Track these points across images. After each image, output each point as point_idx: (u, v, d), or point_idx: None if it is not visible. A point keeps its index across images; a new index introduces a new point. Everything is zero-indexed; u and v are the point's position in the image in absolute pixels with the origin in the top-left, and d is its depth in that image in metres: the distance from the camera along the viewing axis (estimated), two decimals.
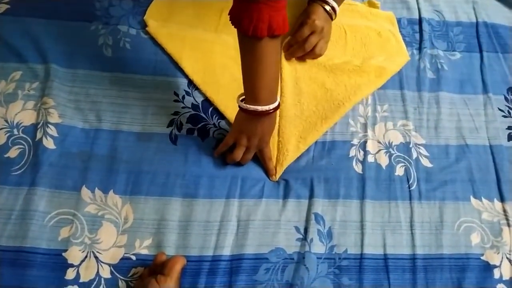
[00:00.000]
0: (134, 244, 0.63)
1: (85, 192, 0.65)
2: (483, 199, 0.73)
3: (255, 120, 0.65)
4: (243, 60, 0.62)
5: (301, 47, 0.80)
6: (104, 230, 0.63)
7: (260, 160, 0.71)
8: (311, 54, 0.81)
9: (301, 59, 0.82)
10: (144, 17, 0.82)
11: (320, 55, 0.82)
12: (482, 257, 0.68)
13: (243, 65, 0.63)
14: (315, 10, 0.79)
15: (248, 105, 0.63)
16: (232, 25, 0.59)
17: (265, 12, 0.55)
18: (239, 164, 0.70)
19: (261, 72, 0.61)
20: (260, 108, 0.62)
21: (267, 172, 0.71)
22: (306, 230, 0.66)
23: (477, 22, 0.94)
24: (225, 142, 0.69)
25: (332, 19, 0.82)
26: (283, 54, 0.82)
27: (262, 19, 0.55)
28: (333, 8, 0.80)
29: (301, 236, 0.66)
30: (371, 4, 0.94)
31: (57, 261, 0.60)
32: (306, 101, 0.78)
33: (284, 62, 0.81)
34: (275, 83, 0.65)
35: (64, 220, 0.63)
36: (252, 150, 0.68)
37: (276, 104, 0.64)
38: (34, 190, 0.64)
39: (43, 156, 0.66)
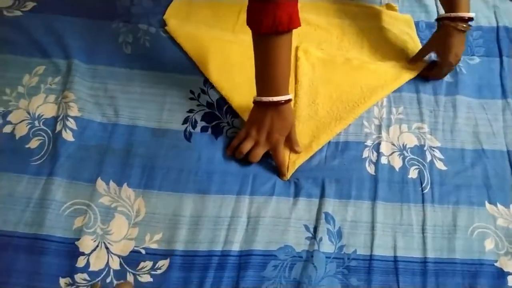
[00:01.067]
0: (144, 238, 0.64)
1: (100, 183, 0.67)
2: (499, 205, 0.71)
3: (265, 112, 0.67)
4: (256, 55, 0.65)
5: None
6: (116, 222, 0.64)
7: (273, 160, 0.71)
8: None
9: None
10: (164, 16, 0.84)
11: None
12: (496, 264, 0.66)
13: (256, 60, 0.66)
14: (453, 42, 0.77)
15: (260, 97, 0.66)
16: (249, 25, 0.62)
17: (281, 9, 0.59)
18: (248, 161, 0.70)
19: (274, 65, 0.64)
20: (270, 98, 0.65)
21: (280, 176, 0.71)
22: (315, 229, 0.66)
23: (497, 27, 0.93)
24: (237, 136, 0.70)
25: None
26: (303, 54, 0.83)
27: (280, 17, 0.59)
28: (470, 18, 0.75)
29: (310, 235, 0.66)
30: (389, 7, 0.94)
31: (70, 249, 0.62)
32: (321, 102, 0.78)
33: (300, 63, 0.82)
34: (287, 77, 0.67)
35: (79, 210, 0.64)
36: (261, 145, 0.69)
37: (288, 97, 0.66)
38: (52, 180, 0.66)
39: (62, 148, 0.69)
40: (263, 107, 0.67)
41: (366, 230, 0.67)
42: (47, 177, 0.66)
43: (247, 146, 0.69)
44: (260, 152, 0.69)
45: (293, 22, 0.61)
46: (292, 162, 0.72)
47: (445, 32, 0.77)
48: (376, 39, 0.88)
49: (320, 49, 0.85)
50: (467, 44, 0.90)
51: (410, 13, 0.93)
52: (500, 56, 0.89)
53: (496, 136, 0.78)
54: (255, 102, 0.68)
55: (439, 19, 0.79)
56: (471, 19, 0.76)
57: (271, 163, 0.72)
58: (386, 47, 0.88)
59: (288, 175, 0.71)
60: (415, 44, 0.88)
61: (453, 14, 0.76)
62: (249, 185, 0.69)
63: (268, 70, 0.65)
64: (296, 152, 0.72)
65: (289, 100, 0.67)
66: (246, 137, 0.69)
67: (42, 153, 0.69)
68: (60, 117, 0.72)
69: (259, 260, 0.63)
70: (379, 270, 0.64)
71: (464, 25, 0.76)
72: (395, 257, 0.66)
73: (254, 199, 0.68)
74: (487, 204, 0.71)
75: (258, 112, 0.68)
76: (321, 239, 0.65)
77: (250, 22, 0.62)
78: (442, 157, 0.75)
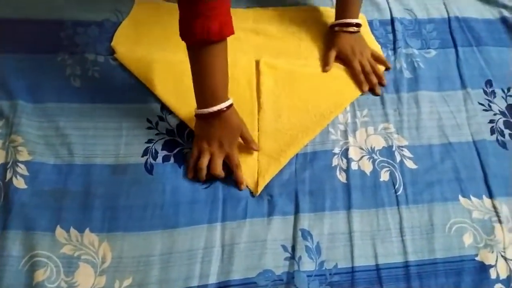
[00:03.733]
0: (113, 285, 0.59)
1: (60, 232, 0.62)
2: (472, 198, 0.71)
3: (211, 123, 0.67)
4: (192, 67, 0.65)
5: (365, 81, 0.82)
6: (81, 272, 0.60)
7: (230, 165, 0.69)
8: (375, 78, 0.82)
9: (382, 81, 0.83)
10: (112, 43, 0.81)
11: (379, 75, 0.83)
12: (476, 258, 0.66)
13: (193, 73, 0.66)
14: (339, 42, 0.84)
15: (201, 110, 0.66)
16: (182, 38, 0.63)
17: (212, 20, 0.60)
18: (212, 177, 0.68)
19: (210, 75, 0.65)
20: (211, 109, 0.65)
21: (236, 181, 0.69)
22: (293, 248, 0.64)
23: (449, 18, 0.94)
24: (191, 156, 0.69)
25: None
26: (265, 68, 0.81)
27: (210, 27, 0.60)
28: (357, 25, 0.83)
29: (289, 255, 0.64)
30: None
31: None
32: (287, 114, 0.76)
33: (262, 76, 0.80)
34: (225, 85, 0.67)
35: (39, 263, 0.60)
36: (216, 156, 0.68)
37: (228, 103, 0.66)
38: (6, 234, 0.61)
39: (14, 197, 0.64)
40: (206, 119, 0.67)
41: (344, 241, 0.66)
42: (1, 231, 0.62)
43: (204, 161, 0.67)
44: (218, 162, 0.68)
45: (224, 31, 0.62)
46: (262, 176, 0.70)
47: (338, 35, 0.85)
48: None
49: (280, 60, 0.84)
50: (421, 37, 0.90)
51: (363, 12, 0.92)
52: (455, 46, 0.90)
53: (460, 127, 0.79)
54: (197, 115, 0.68)
55: (332, 26, 0.86)
56: (358, 24, 0.84)
57: None
58: None
59: (259, 189, 0.69)
60: (371, 42, 0.88)
61: (341, 21, 0.84)
62: (220, 210, 0.66)
63: (205, 81, 0.65)
64: (254, 149, 0.71)
65: (230, 106, 0.67)
66: (199, 153, 0.68)
67: None
68: (10, 164, 0.67)
69: None
70: (363, 281, 0.63)
71: (354, 29, 0.84)
72: (377, 265, 0.64)
73: (226, 226, 0.65)
74: (461, 198, 0.71)
75: (203, 124, 0.68)
76: (300, 257, 0.63)
77: (182, 35, 0.62)
78: (411, 155, 0.74)
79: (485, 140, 0.77)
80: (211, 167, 0.67)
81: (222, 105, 0.65)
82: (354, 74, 0.82)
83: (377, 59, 0.85)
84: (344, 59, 0.84)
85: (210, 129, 0.67)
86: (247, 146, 0.71)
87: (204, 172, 0.67)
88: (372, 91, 0.82)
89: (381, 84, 0.82)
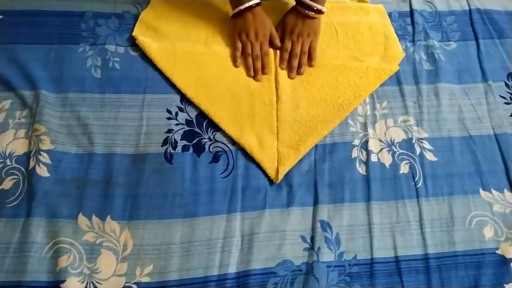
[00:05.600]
0: (135, 272, 0.60)
1: (82, 219, 0.63)
2: (493, 191, 0.70)
3: (246, 17, 0.79)
4: None
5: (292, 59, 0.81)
6: (103, 259, 0.61)
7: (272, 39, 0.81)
8: (306, 60, 0.81)
9: (300, 69, 0.81)
10: (133, 33, 0.81)
11: (313, 58, 0.81)
12: (497, 251, 0.65)
13: None
14: (287, 15, 0.84)
15: (237, 8, 0.79)
16: None
17: None
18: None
19: None
20: (244, 6, 0.78)
21: (273, 41, 0.81)
22: (312, 238, 0.64)
23: (470, 10, 0.93)
24: (235, 48, 0.81)
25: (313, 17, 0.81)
26: (274, 62, 0.81)
27: None
28: (317, 10, 0.79)
29: (308, 246, 0.64)
30: (361, 0, 0.93)
31: None
32: (305, 105, 0.76)
33: (280, 70, 0.80)
34: None
35: (62, 250, 0.61)
36: (257, 43, 0.80)
37: (256, 1, 0.79)
38: (30, 221, 0.62)
39: (38, 185, 0.65)
40: (242, 15, 0.79)
41: (364, 233, 0.66)
42: (25, 219, 0.63)
43: (255, 48, 0.80)
44: (264, 46, 0.81)
45: None
46: (282, 165, 0.70)
47: (292, 10, 0.84)
48: (352, 34, 0.87)
49: None
50: (441, 29, 0.89)
51: (382, 3, 0.91)
52: (476, 39, 0.88)
53: (481, 120, 0.78)
54: (233, 15, 0.80)
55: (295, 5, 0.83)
56: (319, 11, 0.79)
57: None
58: (362, 40, 0.86)
59: (279, 177, 0.69)
60: (390, 34, 0.87)
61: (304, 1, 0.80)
62: (239, 201, 0.67)
63: None
64: (277, 45, 0.82)
65: (259, 3, 0.79)
66: (242, 43, 0.80)
67: (18, 193, 0.65)
68: (33, 153, 0.68)
69: (258, 279, 0.61)
70: (382, 273, 0.63)
71: (308, 12, 0.80)
72: (396, 257, 0.64)
73: (245, 216, 0.65)
74: (481, 191, 0.70)
75: (239, 21, 0.80)
76: (319, 248, 0.63)
77: None
78: (431, 148, 0.74)
79: (507, 133, 0.76)
80: (262, 51, 0.80)
81: (252, 2, 0.78)
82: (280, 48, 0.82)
83: (311, 50, 0.82)
84: (281, 34, 0.83)
85: (245, 22, 0.79)
86: (273, 42, 0.82)
87: (256, 53, 0.79)
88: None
89: (298, 72, 0.80)
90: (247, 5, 0.78)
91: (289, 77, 0.80)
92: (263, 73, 0.79)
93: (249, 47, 0.80)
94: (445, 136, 0.75)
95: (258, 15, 0.80)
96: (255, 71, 0.79)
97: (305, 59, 0.81)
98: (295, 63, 0.80)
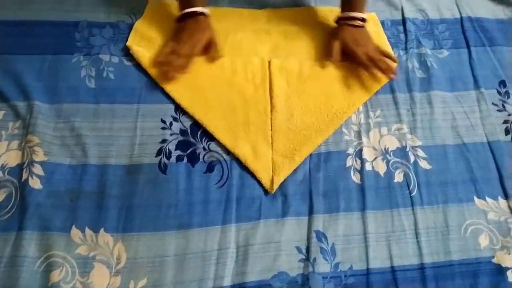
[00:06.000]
0: (128, 285, 0.60)
1: (75, 232, 0.62)
2: (487, 198, 0.71)
3: (184, 23, 0.79)
4: None
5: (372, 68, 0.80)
6: (96, 272, 0.60)
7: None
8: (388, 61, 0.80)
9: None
10: (127, 43, 0.81)
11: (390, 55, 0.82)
12: (493, 260, 0.65)
13: None
14: (342, 33, 0.82)
15: (181, 11, 0.78)
16: None
17: None
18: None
19: None
20: (187, 10, 0.78)
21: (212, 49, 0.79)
22: (308, 249, 0.64)
23: (461, 18, 0.94)
24: (165, 45, 0.79)
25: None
26: (277, 69, 0.81)
27: None
28: (362, 19, 0.81)
29: (303, 257, 0.64)
30: None
31: None
32: (300, 114, 0.76)
33: (274, 77, 0.80)
34: None
35: (54, 263, 0.60)
36: (188, 43, 0.77)
37: (203, 10, 0.78)
38: (22, 235, 0.61)
39: (30, 197, 0.64)
40: (183, 21, 0.78)
41: (359, 242, 0.65)
42: (17, 232, 0.62)
43: (180, 45, 0.76)
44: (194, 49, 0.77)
45: None
46: (277, 174, 0.70)
47: (342, 28, 0.83)
48: None
49: (291, 60, 0.83)
50: (433, 37, 0.90)
51: (375, 12, 0.92)
52: (468, 46, 0.89)
53: (475, 128, 0.78)
54: (177, 18, 0.79)
55: (337, 21, 0.85)
56: (363, 19, 0.82)
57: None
58: None
59: (274, 187, 0.68)
60: (383, 42, 0.88)
61: (346, 14, 0.82)
62: (234, 211, 0.66)
63: None
64: (217, 55, 0.80)
65: (204, 14, 0.78)
66: (175, 43, 0.78)
67: (10, 205, 0.64)
68: (26, 164, 0.67)
69: None
70: (378, 283, 0.63)
71: (359, 23, 0.82)
72: (392, 267, 0.64)
73: (240, 227, 0.65)
74: (476, 199, 0.70)
75: (179, 26, 0.79)
76: (315, 259, 0.63)
77: None
78: (425, 156, 0.74)
79: (500, 140, 0.77)
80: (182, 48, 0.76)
81: (195, 9, 0.77)
82: (359, 63, 0.80)
83: (382, 52, 0.81)
84: (348, 52, 0.81)
85: (185, 26, 0.78)
86: (212, 51, 0.79)
87: (181, 58, 0.75)
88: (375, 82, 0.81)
89: (391, 72, 0.79)
90: (188, 10, 0.77)
91: (390, 77, 0.80)
92: (180, 72, 0.76)
93: (179, 47, 0.77)
94: (439, 144, 0.76)
95: (201, 22, 0.78)
96: (173, 67, 0.76)
97: (386, 61, 0.79)
98: (384, 64, 0.79)
